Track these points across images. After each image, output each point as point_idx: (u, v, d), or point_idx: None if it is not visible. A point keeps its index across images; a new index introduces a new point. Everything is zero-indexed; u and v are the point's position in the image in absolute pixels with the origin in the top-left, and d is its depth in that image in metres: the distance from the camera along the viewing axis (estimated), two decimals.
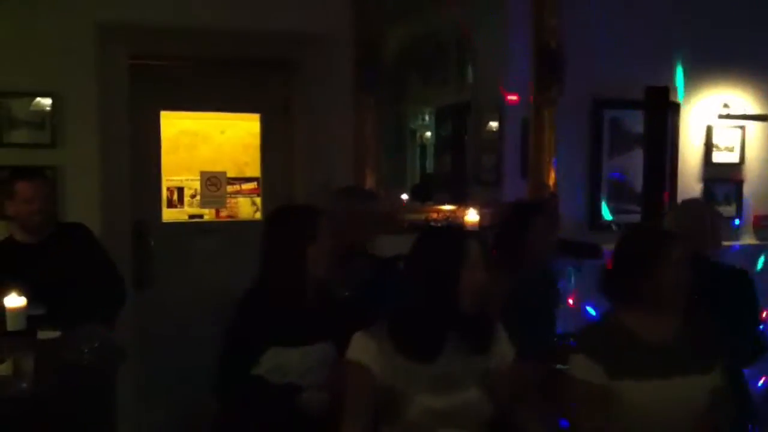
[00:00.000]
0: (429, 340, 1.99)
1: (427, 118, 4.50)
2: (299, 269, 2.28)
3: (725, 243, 3.65)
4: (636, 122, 3.97)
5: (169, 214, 4.05)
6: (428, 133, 4.50)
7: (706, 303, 2.29)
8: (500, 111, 4.18)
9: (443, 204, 4.06)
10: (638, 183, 3.71)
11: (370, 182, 3.76)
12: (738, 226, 4.41)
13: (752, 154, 4.45)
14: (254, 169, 4.05)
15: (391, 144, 4.17)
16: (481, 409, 2.02)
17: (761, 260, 4.27)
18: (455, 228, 2.09)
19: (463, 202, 4.05)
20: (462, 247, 2.00)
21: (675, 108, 4.15)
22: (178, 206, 4.13)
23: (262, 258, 2.33)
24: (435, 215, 4.00)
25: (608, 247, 2.53)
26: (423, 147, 4.51)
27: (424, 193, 4.25)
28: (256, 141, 3.98)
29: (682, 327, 2.17)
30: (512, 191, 4.02)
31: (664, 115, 3.39)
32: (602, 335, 2.16)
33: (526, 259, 2.88)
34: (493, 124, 4.28)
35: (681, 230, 3.01)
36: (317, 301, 2.34)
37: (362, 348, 2.00)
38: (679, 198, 4.21)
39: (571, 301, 3.85)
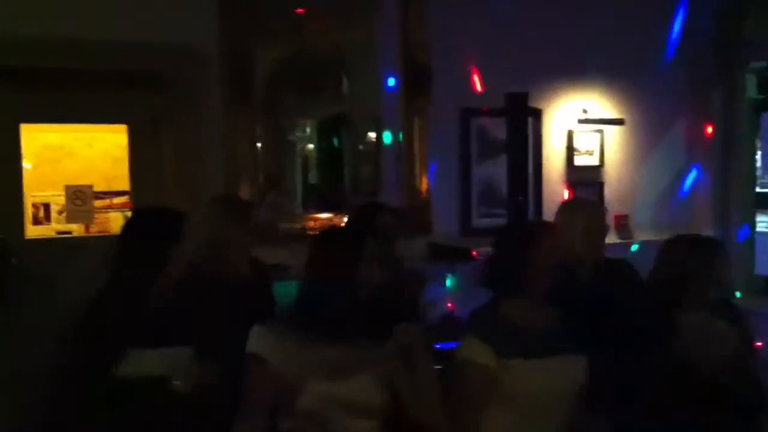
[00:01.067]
0: (327, 322, 2.01)
1: (307, 130, 4.53)
2: (152, 272, 2.22)
3: None
4: (502, 129, 4.14)
5: (35, 231, 3.90)
6: (310, 146, 4.53)
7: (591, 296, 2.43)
8: (376, 122, 4.28)
9: (321, 213, 4.11)
10: (505, 188, 3.87)
11: (245, 195, 3.76)
12: None
13: (611, 157, 4.68)
14: (125, 183, 3.96)
15: (270, 156, 4.17)
16: (374, 398, 2.03)
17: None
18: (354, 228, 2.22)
19: (340, 211, 4.10)
20: (359, 243, 2.07)
21: (537, 114, 4.33)
22: (45, 223, 3.98)
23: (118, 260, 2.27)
24: (312, 224, 4.04)
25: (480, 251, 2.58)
26: (304, 159, 4.54)
27: (304, 204, 4.29)
28: (125, 154, 3.89)
29: (552, 312, 2.28)
30: (389, 200, 4.10)
31: (524, 121, 3.56)
32: (489, 320, 2.23)
33: None
34: (371, 135, 4.36)
35: (565, 231, 3.01)
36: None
37: (257, 340, 2.02)
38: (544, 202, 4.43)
39: (449, 305, 3.95)
